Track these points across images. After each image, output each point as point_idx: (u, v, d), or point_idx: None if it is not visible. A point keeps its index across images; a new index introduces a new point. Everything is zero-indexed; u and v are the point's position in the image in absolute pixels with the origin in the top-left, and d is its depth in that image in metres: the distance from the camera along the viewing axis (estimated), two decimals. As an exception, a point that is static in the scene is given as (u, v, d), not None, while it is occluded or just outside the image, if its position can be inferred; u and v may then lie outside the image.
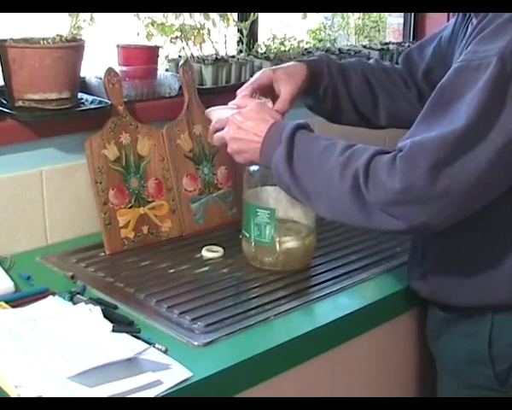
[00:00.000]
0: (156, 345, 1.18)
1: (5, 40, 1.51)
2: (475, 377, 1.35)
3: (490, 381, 1.33)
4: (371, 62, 1.64)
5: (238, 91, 1.46)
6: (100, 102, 1.63)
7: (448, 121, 1.15)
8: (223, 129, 1.39)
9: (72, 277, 1.45)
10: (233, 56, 1.95)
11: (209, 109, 1.48)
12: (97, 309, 1.25)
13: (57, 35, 1.54)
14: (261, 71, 1.50)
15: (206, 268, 1.55)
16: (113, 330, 1.18)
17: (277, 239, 1.50)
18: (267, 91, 1.46)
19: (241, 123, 1.35)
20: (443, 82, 1.20)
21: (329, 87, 1.53)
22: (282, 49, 2.04)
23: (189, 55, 1.84)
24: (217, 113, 1.44)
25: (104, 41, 1.81)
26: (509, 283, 1.27)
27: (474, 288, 1.30)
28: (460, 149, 1.13)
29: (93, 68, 1.72)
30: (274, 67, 1.50)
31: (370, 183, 1.17)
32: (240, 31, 1.98)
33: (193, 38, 1.82)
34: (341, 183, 1.20)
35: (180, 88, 1.78)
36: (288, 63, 1.53)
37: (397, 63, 1.65)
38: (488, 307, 1.30)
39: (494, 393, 1.33)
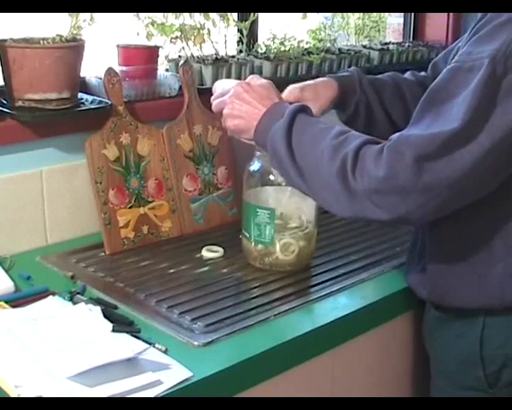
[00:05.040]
0: (156, 345, 1.18)
1: (5, 40, 1.51)
2: (466, 378, 1.35)
3: (480, 382, 1.33)
4: (406, 75, 1.63)
5: None
6: (100, 102, 1.63)
7: (439, 122, 1.16)
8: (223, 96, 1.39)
9: (72, 277, 1.45)
10: (233, 56, 1.95)
11: (217, 82, 1.49)
12: (97, 309, 1.25)
13: (57, 35, 1.54)
14: (288, 89, 1.48)
15: (206, 268, 1.55)
16: (113, 330, 1.18)
17: (277, 239, 1.50)
18: None
19: (246, 91, 1.35)
20: (436, 82, 1.21)
21: (361, 101, 1.52)
22: (282, 49, 2.04)
23: (189, 55, 1.84)
24: (224, 83, 1.45)
25: (104, 41, 1.81)
26: (499, 287, 1.27)
27: (466, 289, 1.31)
28: (447, 149, 1.14)
29: (93, 68, 1.72)
30: (302, 85, 1.48)
31: (357, 169, 1.19)
32: (240, 31, 1.98)
33: (193, 38, 1.82)
34: (330, 165, 1.21)
35: (180, 88, 1.78)
36: (318, 79, 1.52)
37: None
38: (480, 309, 1.31)
39: (483, 394, 1.34)
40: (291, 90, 1.47)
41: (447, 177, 1.14)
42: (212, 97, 1.46)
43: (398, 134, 1.20)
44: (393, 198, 1.17)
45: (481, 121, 1.13)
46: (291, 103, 1.36)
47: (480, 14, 1.23)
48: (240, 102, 1.34)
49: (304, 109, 1.30)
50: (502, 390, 1.33)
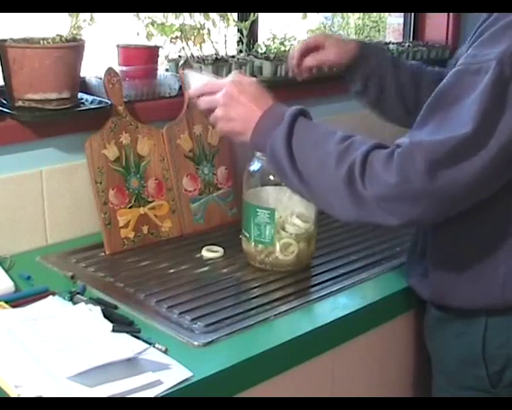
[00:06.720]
0: (156, 345, 1.18)
1: (5, 40, 1.51)
2: (467, 377, 1.35)
3: (482, 382, 1.33)
4: (429, 68, 1.65)
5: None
6: (100, 102, 1.63)
7: (449, 126, 1.15)
8: (212, 94, 1.33)
9: (72, 277, 1.45)
10: (233, 56, 1.95)
11: (189, 70, 1.42)
12: (97, 309, 1.25)
13: (57, 35, 1.54)
14: (313, 36, 1.59)
15: (206, 268, 1.55)
16: (113, 330, 1.18)
17: (277, 239, 1.50)
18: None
19: (240, 92, 1.30)
20: (442, 85, 1.20)
21: (377, 69, 1.56)
22: (282, 49, 2.04)
23: (189, 55, 1.84)
24: (202, 77, 1.39)
25: (104, 41, 1.81)
26: (501, 287, 1.27)
27: (468, 290, 1.31)
28: (459, 154, 1.13)
29: (93, 68, 1.72)
30: (328, 34, 1.54)
31: (366, 175, 1.17)
32: (240, 31, 1.98)
33: (193, 38, 1.82)
34: (336, 171, 1.19)
35: (180, 88, 1.78)
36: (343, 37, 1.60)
37: None
38: (481, 309, 1.31)
39: (484, 394, 1.34)
40: (316, 36, 1.55)
41: (458, 181, 1.14)
42: (195, 92, 1.37)
43: (407, 140, 1.18)
44: (404, 204, 1.16)
45: (492, 126, 1.13)
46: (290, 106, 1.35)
47: (484, 16, 1.23)
48: (235, 104, 1.29)
49: (303, 112, 1.28)
50: (504, 390, 1.33)
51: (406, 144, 1.17)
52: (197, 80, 1.39)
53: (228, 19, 1.88)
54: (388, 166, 1.16)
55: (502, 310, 1.29)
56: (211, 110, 1.33)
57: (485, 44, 1.17)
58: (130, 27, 1.78)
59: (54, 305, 1.30)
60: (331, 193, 1.22)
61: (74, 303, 1.31)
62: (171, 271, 1.52)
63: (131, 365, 1.11)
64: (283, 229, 1.50)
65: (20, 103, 1.53)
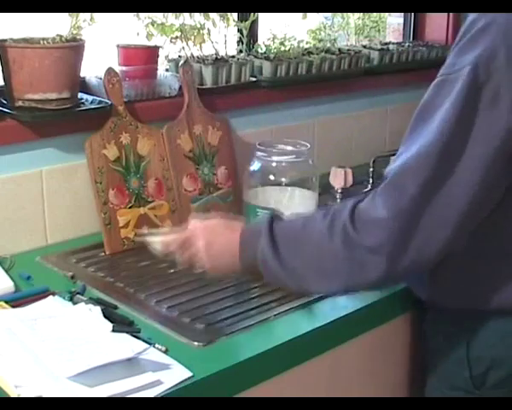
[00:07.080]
0: (156, 345, 1.18)
1: (5, 40, 1.51)
2: (456, 378, 1.35)
3: (466, 383, 1.33)
4: None
5: None
6: (100, 102, 1.63)
7: (425, 135, 1.13)
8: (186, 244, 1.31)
9: (72, 277, 1.45)
10: (233, 56, 1.95)
11: (150, 238, 1.36)
12: (97, 309, 1.25)
13: (57, 35, 1.54)
14: None
15: (206, 268, 1.55)
16: (113, 330, 1.19)
17: (277, 239, 1.49)
18: None
19: (213, 229, 1.30)
20: (423, 98, 1.19)
21: None
22: (282, 49, 2.04)
23: (189, 55, 1.84)
24: (167, 237, 1.34)
25: (104, 41, 1.81)
26: (495, 290, 1.26)
27: (462, 292, 1.30)
28: (444, 164, 1.12)
29: (93, 68, 1.72)
30: None
31: (358, 227, 1.15)
32: (240, 31, 1.99)
33: (193, 38, 1.82)
34: (332, 242, 1.18)
35: (180, 88, 1.78)
36: None
37: None
38: (471, 312, 1.30)
39: (471, 395, 1.33)
40: None
41: (455, 203, 1.12)
42: (169, 247, 1.33)
43: (393, 168, 1.16)
44: (404, 238, 1.14)
45: (468, 130, 1.11)
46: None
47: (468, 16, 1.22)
48: (213, 242, 1.29)
49: (276, 217, 1.27)
50: (487, 392, 1.32)
51: (392, 173, 1.16)
52: (160, 239, 1.35)
53: (228, 19, 1.88)
54: (375, 205, 1.15)
55: (489, 314, 1.29)
56: (192, 259, 1.31)
57: (463, 51, 1.15)
58: (130, 27, 1.78)
59: (54, 305, 1.30)
60: (334, 270, 1.20)
61: (74, 303, 1.31)
62: (171, 271, 1.52)
63: (131, 365, 1.11)
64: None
65: (20, 103, 1.53)
